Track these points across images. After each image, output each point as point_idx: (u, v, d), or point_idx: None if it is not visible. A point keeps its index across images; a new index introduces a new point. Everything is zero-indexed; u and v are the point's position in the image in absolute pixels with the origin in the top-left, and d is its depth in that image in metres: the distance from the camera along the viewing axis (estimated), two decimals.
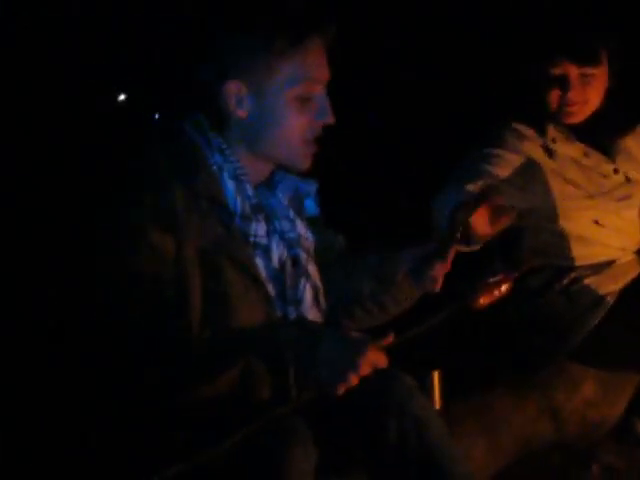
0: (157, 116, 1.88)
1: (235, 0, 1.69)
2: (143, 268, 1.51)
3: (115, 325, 1.50)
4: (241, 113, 1.64)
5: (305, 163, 1.70)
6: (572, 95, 2.36)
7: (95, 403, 1.55)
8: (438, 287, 1.77)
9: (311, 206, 1.79)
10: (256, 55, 1.61)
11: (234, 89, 1.62)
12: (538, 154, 2.40)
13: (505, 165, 2.34)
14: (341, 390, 1.47)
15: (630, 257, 2.52)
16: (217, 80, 1.62)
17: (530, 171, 2.39)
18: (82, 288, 1.54)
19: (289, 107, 1.63)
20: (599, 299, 2.41)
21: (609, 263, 2.47)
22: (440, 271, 1.75)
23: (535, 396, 2.49)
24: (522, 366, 2.51)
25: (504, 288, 1.69)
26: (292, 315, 1.67)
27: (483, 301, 1.66)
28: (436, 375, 2.24)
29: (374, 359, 1.48)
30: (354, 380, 1.47)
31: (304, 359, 1.48)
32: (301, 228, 1.75)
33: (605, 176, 2.46)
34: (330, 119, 1.67)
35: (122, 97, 4.51)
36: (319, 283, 1.75)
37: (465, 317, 1.71)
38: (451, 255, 1.74)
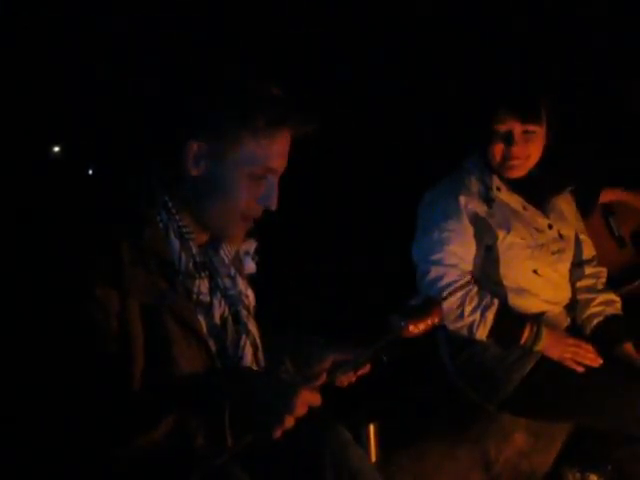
0: (90, 171, 1.88)
1: (227, 68, 1.72)
2: (86, 321, 1.50)
3: (55, 377, 1.48)
4: (195, 172, 1.64)
5: (237, 237, 1.73)
6: (515, 150, 2.46)
7: (33, 456, 1.52)
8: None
9: (250, 265, 1.81)
10: (229, 124, 1.63)
11: (196, 148, 1.63)
12: (482, 210, 2.50)
13: (461, 238, 2.48)
14: (278, 433, 1.48)
15: (559, 311, 2.60)
16: (183, 135, 1.63)
17: (478, 228, 2.49)
18: (20, 342, 1.52)
19: (241, 181, 1.65)
20: (529, 350, 2.45)
21: (540, 315, 2.54)
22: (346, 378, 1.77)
23: (468, 446, 2.53)
24: (455, 416, 2.55)
25: (435, 314, 1.68)
26: None
27: (413, 329, 1.65)
28: (372, 427, 2.26)
29: (308, 399, 1.50)
30: (289, 422, 1.48)
31: (239, 405, 1.48)
32: (242, 285, 1.77)
33: (541, 230, 2.55)
34: (273, 206, 1.70)
35: (56, 149, 4.50)
36: (258, 340, 1.77)
37: (401, 369, 1.73)
38: (363, 369, 1.76)
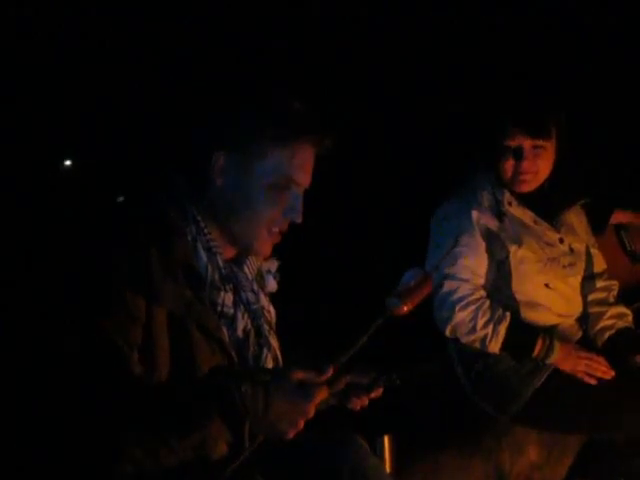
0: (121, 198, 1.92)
1: (251, 81, 1.76)
2: (113, 329, 1.52)
3: (78, 380, 1.50)
4: (219, 183, 1.68)
5: (264, 250, 1.75)
6: (525, 165, 2.50)
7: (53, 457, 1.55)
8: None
9: (272, 283, 1.85)
10: (255, 137, 1.67)
11: (222, 160, 1.67)
12: (494, 224, 2.53)
13: (473, 253, 2.51)
14: (291, 435, 1.52)
15: (571, 323, 2.63)
16: (210, 146, 1.67)
17: (491, 242, 2.52)
18: (49, 344, 1.54)
19: (265, 193, 1.68)
20: (542, 363, 2.48)
21: (552, 328, 2.56)
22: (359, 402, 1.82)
23: (481, 459, 2.55)
24: (469, 429, 2.57)
25: (425, 288, 1.69)
26: None
27: (407, 307, 1.66)
28: (387, 439, 2.28)
29: (320, 398, 1.53)
30: (302, 424, 1.52)
31: (257, 411, 1.50)
32: (264, 301, 1.81)
33: (552, 244, 2.58)
34: (298, 219, 1.72)
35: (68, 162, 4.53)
36: (279, 355, 1.80)
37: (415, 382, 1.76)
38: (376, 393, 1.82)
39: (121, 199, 1.90)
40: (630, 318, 2.66)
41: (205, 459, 1.60)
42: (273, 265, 1.84)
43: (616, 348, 2.57)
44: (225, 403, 1.51)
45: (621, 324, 2.62)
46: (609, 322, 2.61)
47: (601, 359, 2.49)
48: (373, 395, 1.81)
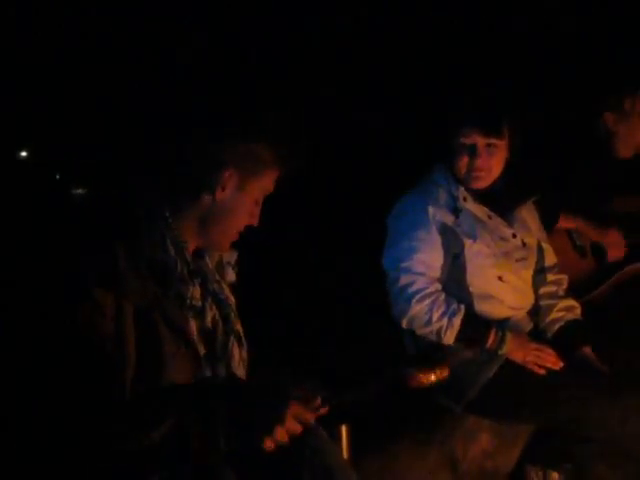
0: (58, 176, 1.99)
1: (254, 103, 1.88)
2: (84, 323, 1.56)
3: (52, 378, 1.54)
4: (219, 196, 1.79)
5: (227, 248, 1.88)
6: (479, 162, 2.59)
7: (27, 456, 1.57)
8: None
9: (231, 274, 1.93)
10: (258, 157, 1.81)
11: (227, 176, 1.78)
12: (449, 220, 2.61)
13: (429, 247, 2.59)
14: (268, 443, 1.58)
15: (522, 316, 2.71)
16: (220, 164, 1.78)
17: (446, 237, 2.60)
18: (18, 343, 1.57)
19: (249, 206, 1.83)
20: (494, 353, 2.56)
21: (505, 320, 2.65)
22: None
23: (435, 447, 2.61)
24: (424, 418, 2.64)
25: (443, 372, 1.83)
26: (221, 372, 1.77)
27: (418, 382, 1.79)
28: (344, 429, 2.34)
29: (299, 415, 1.59)
30: (280, 434, 1.57)
31: (232, 412, 1.57)
32: (226, 290, 1.88)
33: (505, 239, 2.67)
34: (256, 222, 1.88)
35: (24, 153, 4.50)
36: (244, 341, 1.87)
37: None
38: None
39: (79, 191, 1.96)
40: (579, 311, 2.76)
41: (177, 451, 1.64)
42: (232, 256, 1.93)
43: (565, 340, 2.66)
44: (197, 394, 1.57)
45: (570, 316, 2.71)
46: (559, 314, 2.71)
47: (550, 350, 2.57)
48: (319, 413, 1.86)
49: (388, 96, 3.53)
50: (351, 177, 3.48)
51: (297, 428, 1.61)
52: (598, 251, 3.10)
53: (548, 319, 2.71)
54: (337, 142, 3.52)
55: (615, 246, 3.07)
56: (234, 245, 1.90)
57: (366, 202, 3.34)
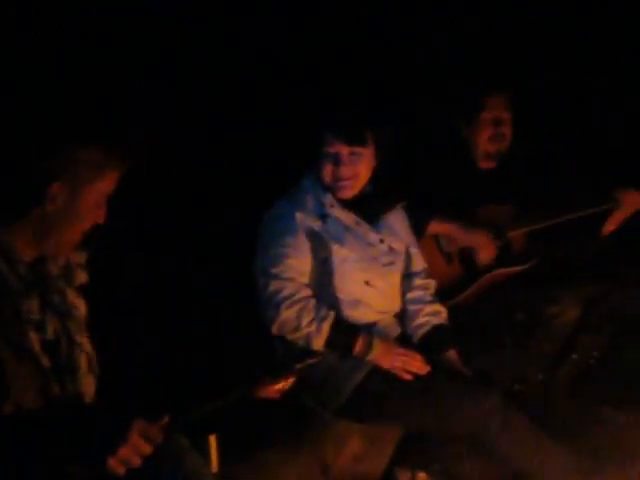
0: None
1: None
2: None
3: None
4: (51, 208, 1.76)
5: (69, 253, 1.86)
6: (343, 170, 2.63)
7: None
8: None
9: (81, 275, 1.88)
10: (88, 166, 1.79)
11: (56, 189, 1.75)
12: (317, 225, 2.64)
13: (298, 253, 2.61)
14: (112, 463, 1.55)
15: (390, 320, 2.77)
16: (46, 178, 1.74)
17: (314, 242, 2.63)
18: None
19: (91, 209, 1.82)
20: (362, 359, 2.59)
21: (373, 325, 2.69)
22: None
23: (306, 452, 2.60)
24: (294, 424, 2.64)
25: (289, 381, 1.86)
26: (69, 384, 1.72)
27: (265, 393, 1.81)
28: (212, 439, 2.31)
29: (147, 434, 1.57)
30: (125, 453, 1.54)
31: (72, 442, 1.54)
32: (72, 297, 1.83)
33: (372, 244, 2.72)
34: (102, 221, 1.87)
35: None
36: (92, 351, 1.83)
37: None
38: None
39: None
40: (445, 315, 2.83)
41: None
42: (82, 257, 1.90)
43: (430, 344, 2.73)
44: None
45: (436, 321, 2.78)
46: (425, 319, 2.77)
47: (417, 355, 2.62)
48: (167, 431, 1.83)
49: (262, 98, 3.55)
50: (225, 181, 3.46)
51: (145, 447, 1.57)
52: (465, 257, 3.18)
53: (414, 324, 2.78)
54: (211, 149, 3.50)
55: (485, 248, 3.15)
56: (85, 245, 1.88)
57: (239, 206, 3.34)
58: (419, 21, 3.74)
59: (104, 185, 1.83)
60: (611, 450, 2.68)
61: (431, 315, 2.79)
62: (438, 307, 2.83)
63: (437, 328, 2.77)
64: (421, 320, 2.77)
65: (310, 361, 2.35)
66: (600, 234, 3.15)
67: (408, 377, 2.58)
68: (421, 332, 2.76)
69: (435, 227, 3.12)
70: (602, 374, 3.14)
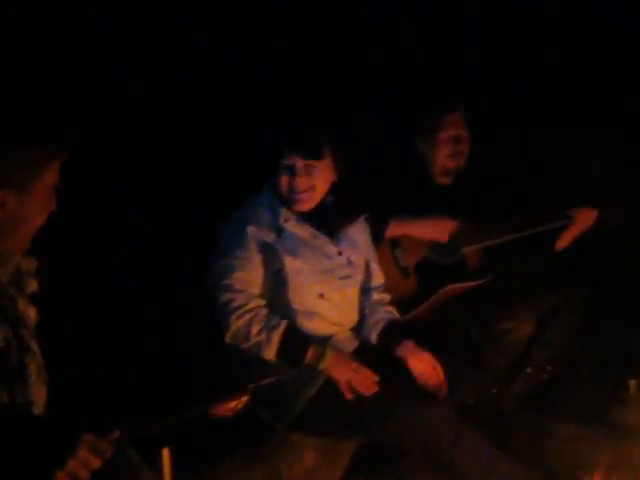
0: None
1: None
2: None
3: None
4: (2, 215, 1.79)
5: (23, 249, 1.87)
6: (298, 182, 2.66)
7: None
8: None
9: (32, 283, 1.88)
10: (31, 165, 1.82)
11: (4, 197, 1.78)
12: (271, 237, 2.66)
13: (248, 265, 2.64)
14: (60, 477, 1.55)
15: (347, 333, 2.79)
16: None
17: (267, 255, 2.65)
18: None
19: (40, 210, 1.85)
20: (317, 371, 2.60)
21: (328, 337, 2.71)
22: None
23: (260, 465, 2.59)
24: (248, 437, 2.64)
25: (242, 400, 1.89)
26: (19, 392, 1.72)
27: (219, 411, 1.78)
28: (165, 452, 2.31)
29: (92, 446, 1.57)
30: (73, 467, 1.55)
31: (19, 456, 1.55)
32: (23, 306, 1.83)
33: (330, 257, 2.74)
34: (54, 208, 1.90)
35: None
36: (41, 359, 1.82)
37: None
38: None
39: None
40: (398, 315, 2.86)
41: None
42: (31, 265, 1.90)
43: (387, 338, 2.74)
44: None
45: (390, 316, 2.82)
46: (380, 316, 2.81)
47: (368, 373, 2.58)
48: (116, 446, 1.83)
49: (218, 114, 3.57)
50: (186, 189, 3.48)
51: (94, 462, 1.58)
52: (421, 271, 3.21)
53: (371, 322, 2.80)
54: (172, 158, 3.51)
55: (445, 232, 3.13)
56: (33, 253, 1.90)
57: (196, 218, 3.35)
58: (377, 36, 3.79)
59: (50, 178, 1.86)
60: (559, 462, 2.73)
61: (386, 313, 2.83)
62: (392, 309, 2.87)
63: (392, 323, 2.80)
64: (377, 317, 2.80)
65: (264, 381, 2.38)
66: (553, 250, 3.19)
67: (349, 397, 2.56)
68: (377, 328, 2.78)
69: (394, 229, 3.13)
70: (554, 388, 3.19)
